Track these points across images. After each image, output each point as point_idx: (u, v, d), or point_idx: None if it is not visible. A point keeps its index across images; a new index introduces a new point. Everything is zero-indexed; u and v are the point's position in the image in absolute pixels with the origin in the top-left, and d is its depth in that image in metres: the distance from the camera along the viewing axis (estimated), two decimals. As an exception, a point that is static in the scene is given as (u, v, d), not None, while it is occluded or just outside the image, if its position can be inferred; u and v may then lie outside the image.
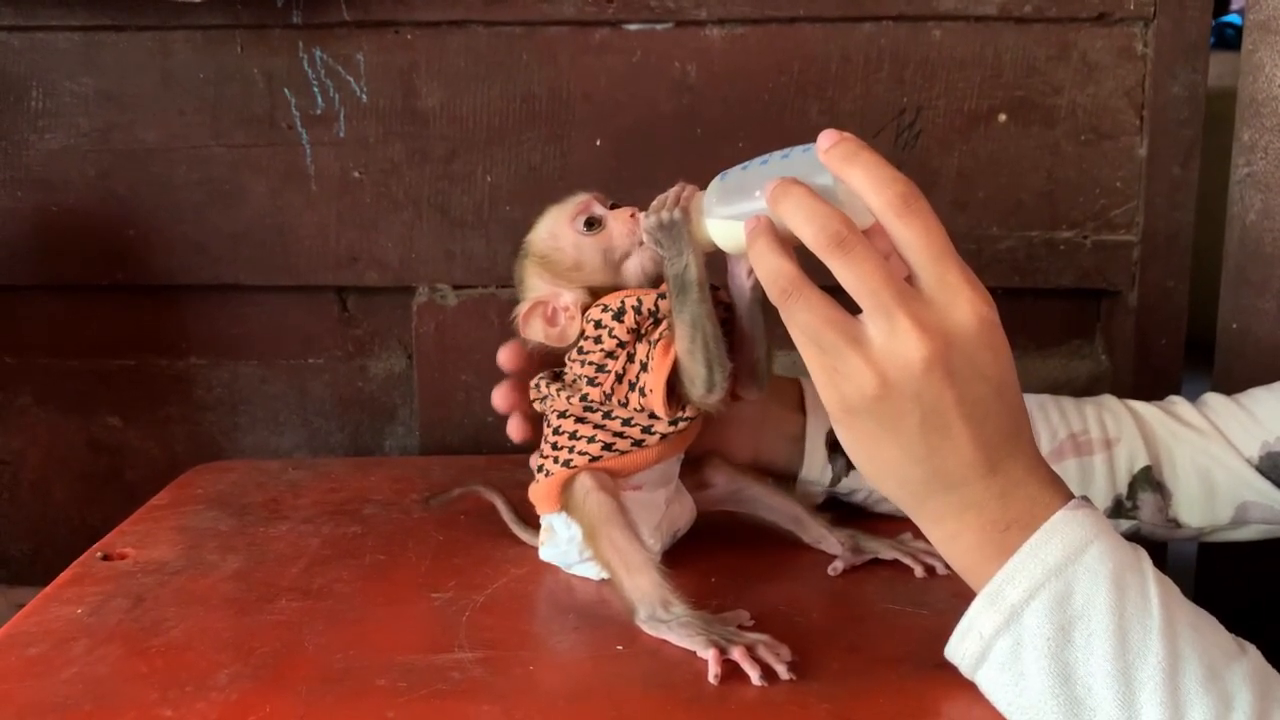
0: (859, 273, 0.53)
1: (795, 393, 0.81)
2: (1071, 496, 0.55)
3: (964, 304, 0.52)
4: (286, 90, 1.01)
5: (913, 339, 0.52)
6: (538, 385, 0.74)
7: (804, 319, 0.54)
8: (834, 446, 0.78)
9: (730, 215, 0.61)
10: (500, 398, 0.77)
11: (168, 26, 1.00)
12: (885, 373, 0.52)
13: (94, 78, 1.02)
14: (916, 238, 0.52)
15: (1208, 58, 0.99)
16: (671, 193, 0.65)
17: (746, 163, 0.62)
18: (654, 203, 0.65)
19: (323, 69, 1.01)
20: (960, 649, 0.54)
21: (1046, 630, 0.51)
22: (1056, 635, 0.51)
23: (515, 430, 0.76)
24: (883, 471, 0.56)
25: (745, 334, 0.68)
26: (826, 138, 0.55)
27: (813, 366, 0.55)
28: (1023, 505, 0.54)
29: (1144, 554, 0.53)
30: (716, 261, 0.66)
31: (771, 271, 0.55)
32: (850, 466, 0.78)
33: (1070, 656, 0.51)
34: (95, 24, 1.01)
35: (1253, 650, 0.52)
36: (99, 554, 0.76)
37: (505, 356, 0.76)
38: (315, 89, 1.01)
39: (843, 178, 0.55)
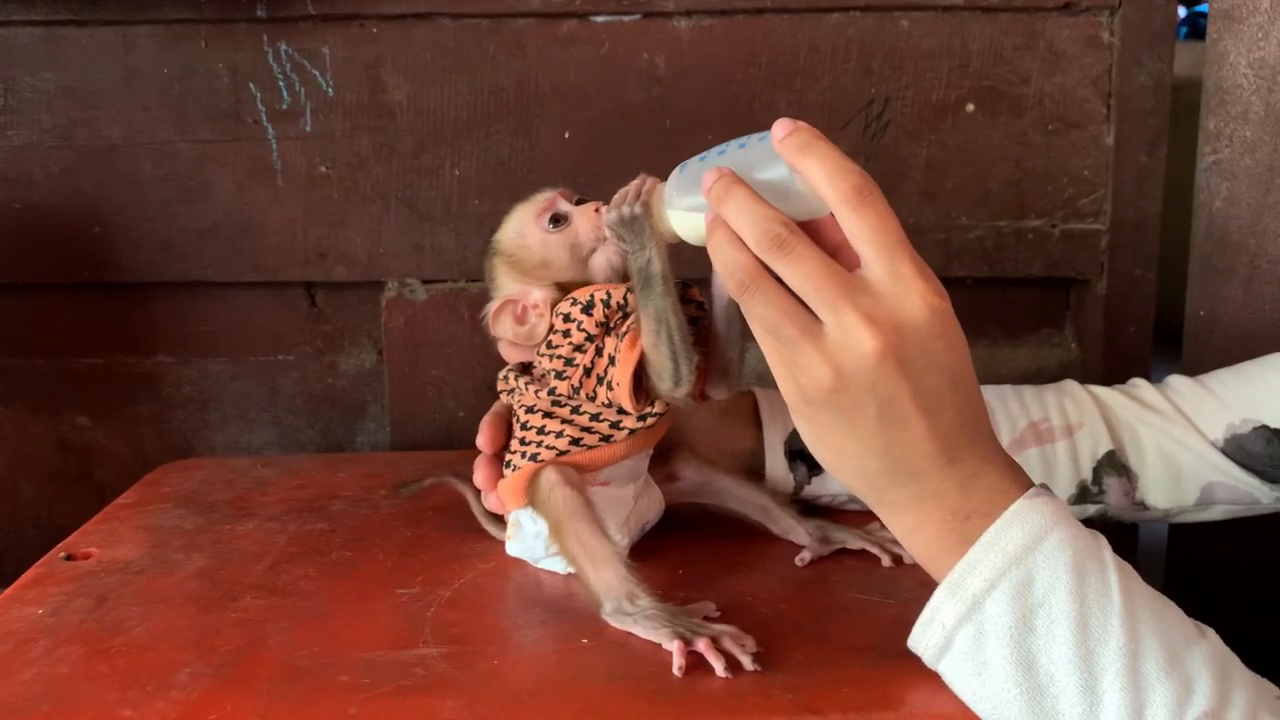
0: (801, 272, 0.53)
1: (750, 407, 0.80)
2: (1031, 484, 0.55)
3: (915, 295, 0.52)
4: (252, 85, 1.00)
5: (863, 332, 0.52)
6: (506, 378, 0.74)
7: (761, 312, 0.54)
8: (793, 456, 0.78)
9: (690, 207, 0.61)
10: (480, 478, 0.74)
11: (131, 21, 0.99)
12: (840, 366, 0.52)
13: (56, 73, 1.01)
14: (870, 229, 0.52)
15: (1173, 46, 0.99)
16: (632, 186, 0.65)
17: (705, 153, 0.61)
18: (615, 196, 0.65)
19: (288, 63, 1.00)
20: (923, 640, 0.54)
21: (1008, 619, 0.51)
22: (1018, 624, 0.51)
23: (498, 505, 0.74)
24: (842, 464, 0.56)
25: (718, 333, 0.68)
26: (781, 127, 0.55)
27: (772, 359, 0.55)
28: (982, 494, 0.54)
29: (1103, 540, 0.53)
30: (690, 257, 0.66)
31: (729, 264, 0.55)
32: (812, 474, 0.78)
33: (1032, 644, 0.51)
34: (57, 19, 1.00)
35: (1212, 634, 0.52)
36: (62, 554, 0.75)
37: (484, 439, 0.73)
38: (281, 83, 1.00)
39: (797, 168, 0.54)
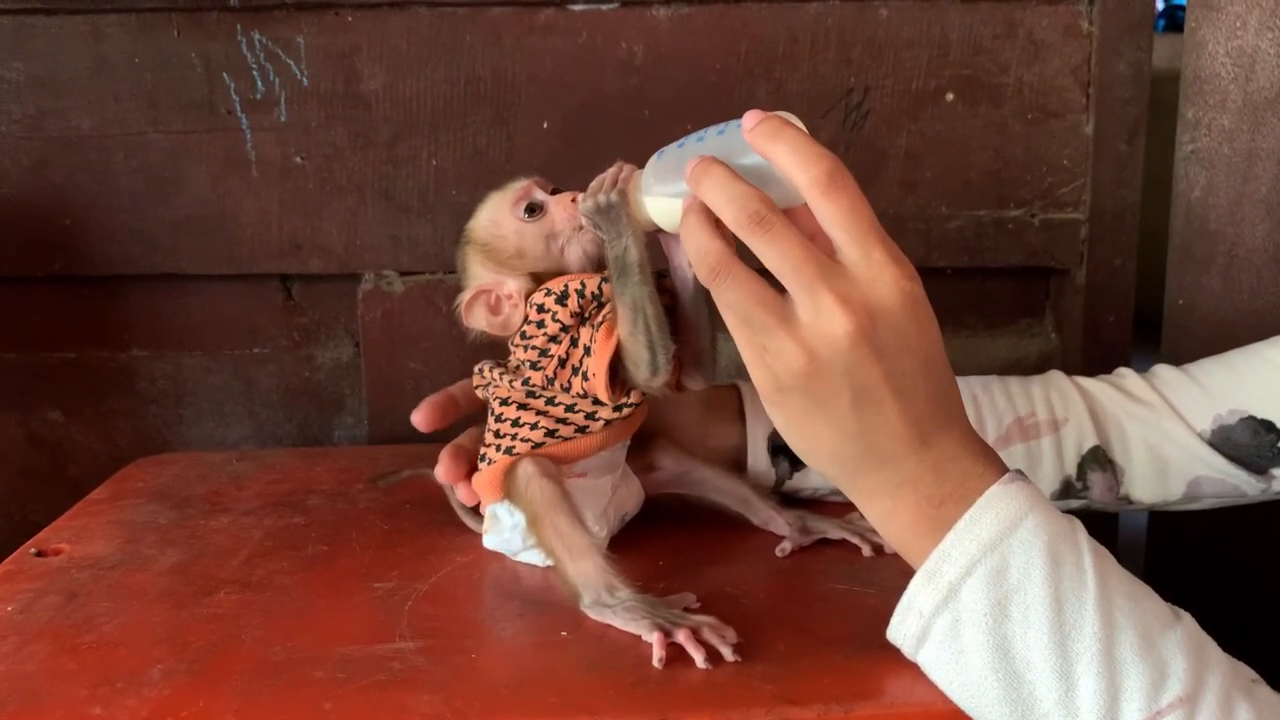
0: (779, 250, 0.52)
1: (734, 402, 0.80)
2: (1005, 470, 0.54)
3: (888, 279, 0.52)
4: (225, 74, 0.99)
5: (837, 314, 0.51)
6: (481, 371, 0.73)
7: (733, 298, 0.54)
8: (775, 451, 0.78)
9: (667, 194, 0.60)
10: (445, 470, 0.73)
11: (101, 10, 0.98)
12: (814, 350, 0.52)
13: (25, 63, 0.99)
14: (842, 214, 0.52)
15: (1152, 35, 0.99)
16: (609, 173, 0.65)
17: (683, 139, 0.61)
18: (592, 184, 0.65)
19: (262, 52, 0.99)
20: (901, 630, 0.54)
21: (984, 605, 0.51)
22: (994, 610, 0.51)
23: (468, 496, 0.74)
24: (817, 450, 0.56)
25: (689, 322, 0.68)
26: (750, 117, 0.55)
27: (743, 347, 0.55)
28: (957, 480, 0.53)
29: (1079, 525, 0.53)
30: (659, 247, 0.66)
31: (700, 250, 0.55)
32: (794, 469, 0.78)
33: (1008, 630, 0.51)
34: (25, 7, 0.98)
35: (1187, 617, 0.52)
36: (32, 550, 0.74)
37: (420, 418, 0.74)
38: (255, 73, 0.99)
39: (767, 156, 0.54)
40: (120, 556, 0.73)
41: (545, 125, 1.00)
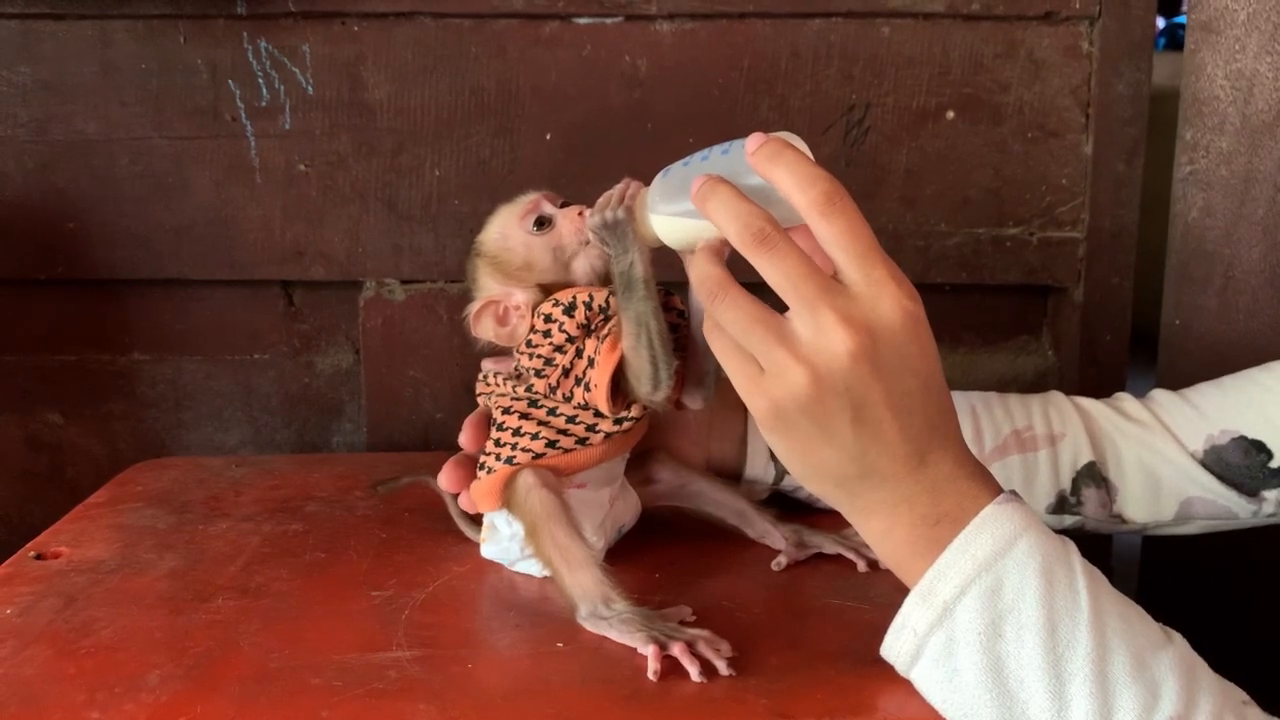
0: (782, 268, 0.53)
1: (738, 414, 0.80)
2: (1000, 490, 0.55)
3: (889, 299, 0.53)
4: (231, 82, 1.00)
5: (838, 332, 0.52)
6: (484, 378, 0.74)
7: (732, 317, 0.54)
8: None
9: (673, 212, 0.61)
10: (448, 478, 0.73)
11: (108, 15, 0.98)
12: (815, 367, 0.52)
13: (32, 67, 1.00)
14: (841, 235, 0.53)
15: (1151, 57, 1.00)
16: (616, 190, 0.65)
17: (688, 158, 0.61)
18: (600, 200, 0.65)
19: (268, 60, 0.99)
20: (895, 648, 0.54)
21: (978, 625, 0.51)
22: (988, 630, 0.51)
23: (471, 506, 0.74)
24: (815, 471, 0.56)
25: (696, 343, 0.68)
26: (754, 140, 0.56)
27: (737, 375, 0.55)
28: (952, 500, 0.54)
29: (1072, 546, 0.54)
30: (673, 262, 0.66)
31: (701, 275, 0.56)
32: None
33: (1002, 650, 0.51)
34: (33, 12, 0.99)
35: (1179, 639, 0.53)
36: (32, 553, 0.74)
37: (467, 438, 0.73)
38: (260, 80, 1.00)
39: (767, 178, 0.55)
40: (119, 561, 0.73)
41: (548, 137, 1.00)
